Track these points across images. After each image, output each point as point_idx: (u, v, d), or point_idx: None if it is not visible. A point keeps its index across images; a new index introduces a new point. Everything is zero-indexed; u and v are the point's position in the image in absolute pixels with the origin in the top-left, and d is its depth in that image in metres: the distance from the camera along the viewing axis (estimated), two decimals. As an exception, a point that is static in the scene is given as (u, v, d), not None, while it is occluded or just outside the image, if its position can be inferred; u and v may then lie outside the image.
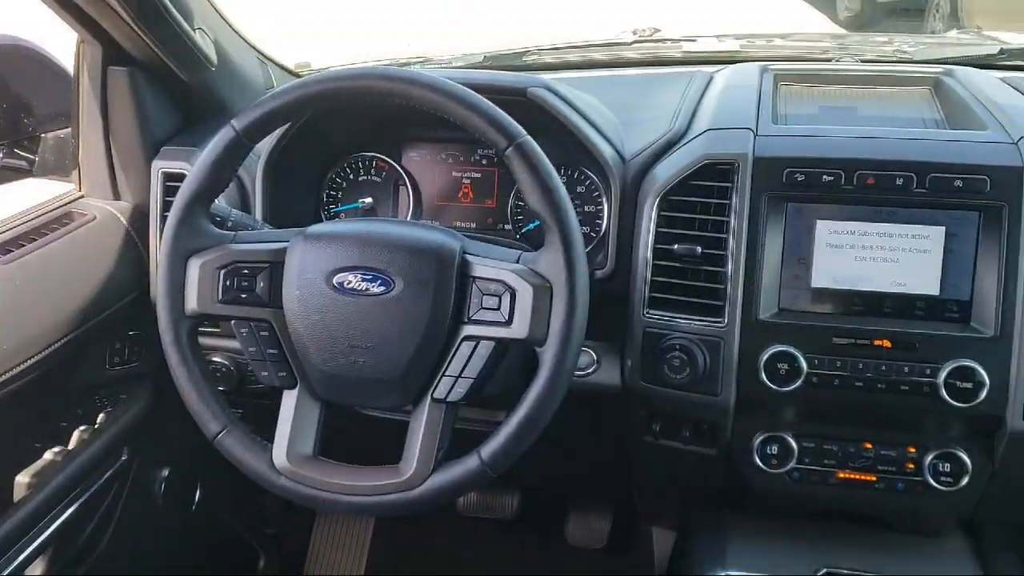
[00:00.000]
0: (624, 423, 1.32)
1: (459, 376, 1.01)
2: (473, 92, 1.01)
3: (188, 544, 1.72)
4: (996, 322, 1.09)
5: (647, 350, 1.21)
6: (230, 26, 1.50)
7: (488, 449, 0.99)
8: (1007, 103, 1.26)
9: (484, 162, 1.42)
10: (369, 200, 1.44)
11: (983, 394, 1.09)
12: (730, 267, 1.16)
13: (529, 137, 1.00)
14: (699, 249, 1.17)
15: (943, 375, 1.10)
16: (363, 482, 1.01)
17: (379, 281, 1.00)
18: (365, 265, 1.01)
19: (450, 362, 1.01)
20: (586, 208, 1.34)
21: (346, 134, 1.43)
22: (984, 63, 1.57)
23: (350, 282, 1.01)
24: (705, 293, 1.18)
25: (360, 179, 1.45)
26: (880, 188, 1.12)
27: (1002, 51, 1.65)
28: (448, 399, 1.01)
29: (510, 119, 1.01)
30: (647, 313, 1.21)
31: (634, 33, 1.88)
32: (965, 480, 1.15)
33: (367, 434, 1.43)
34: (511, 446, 0.99)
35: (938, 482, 1.16)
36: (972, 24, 4.93)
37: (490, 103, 1.01)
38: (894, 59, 1.67)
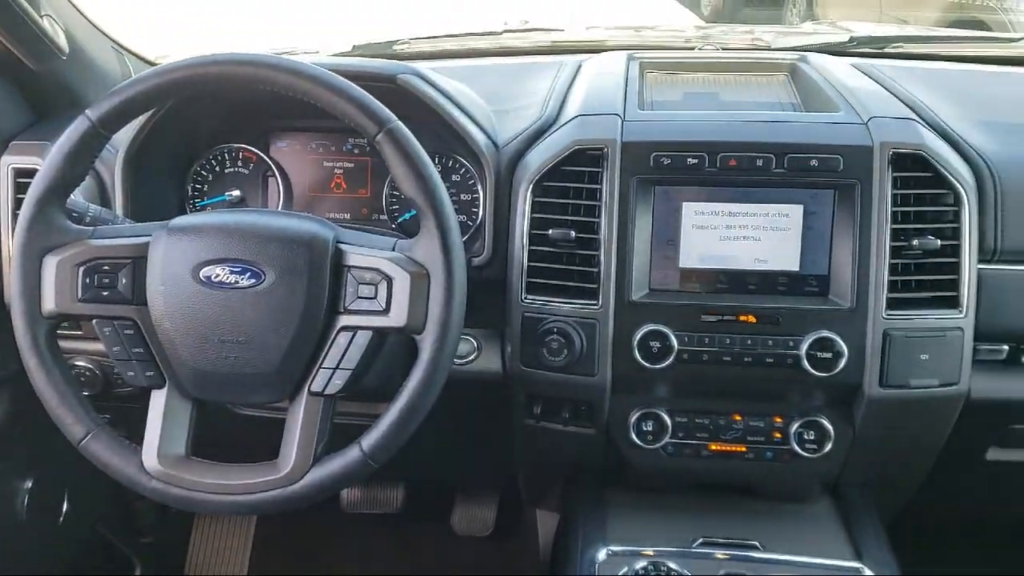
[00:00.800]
0: (506, 408, 1.33)
1: (336, 368, 0.99)
2: (341, 78, 1.00)
3: (56, 558, 1.64)
4: (852, 294, 1.15)
5: (526, 335, 1.22)
6: (81, 14, 1.43)
7: (369, 440, 0.98)
8: (857, 87, 1.34)
9: (356, 151, 1.40)
10: (237, 192, 1.40)
11: (842, 363, 1.15)
12: (603, 250, 1.18)
13: (400, 123, 0.99)
14: (573, 234, 1.19)
15: (805, 347, 1.15)
16: (239, 480, 0.99)
17: (249, 273, 0.98)
18: (233, 257, 0.98)
19: (327, 354, 0.99)
20: (462, 196, 1.35)
21: (211, 124, 1.39)
22: (836, 51, 1.65)
23: (218, 275, 0.98)
24: (580, 277, 1.20)
25: (227, 171, 1.41)
26: (742, 169, 1.16)
27: (852, 39, 1.74)
28: (326, 392, 0.99)
29: (380, 105, 1.00)
30: (525, 298, 1.22)
31: (505, 24, 1.90)
32: (828, 446, 1.21)
33: (245, 433, 1.40)
34: (392, 436, 0.98)
35: (803, 449, 1.21)
36: (826, 16, 5.18)
37: (359, 88, 1.00)
38: (753, 47, 1.73)
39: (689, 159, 1.16)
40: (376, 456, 0.98)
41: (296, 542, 2.02)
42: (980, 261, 1.17)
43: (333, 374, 0.99)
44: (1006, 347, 1.22)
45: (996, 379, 1.22)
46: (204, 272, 0.98)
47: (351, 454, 0.99)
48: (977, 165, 1.18)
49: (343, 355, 0.99)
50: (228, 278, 0.98)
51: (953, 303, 1.15)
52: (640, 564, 1.15)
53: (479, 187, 1.33)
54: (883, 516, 1.32)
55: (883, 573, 1.17)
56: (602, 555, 1.20)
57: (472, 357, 1.30)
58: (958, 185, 1.14)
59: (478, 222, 1.32)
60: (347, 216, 1.40)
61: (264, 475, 0.99)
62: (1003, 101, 1.42)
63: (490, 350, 1.30)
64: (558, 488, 1.46)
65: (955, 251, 1.15)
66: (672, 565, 1.15)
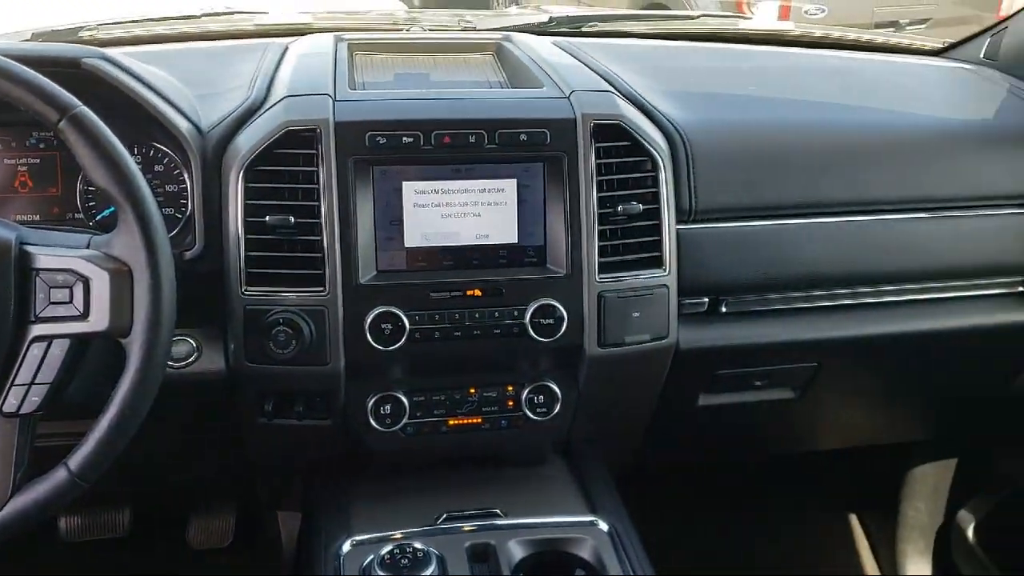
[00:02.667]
0: (235, 410, 1.27)
1: (31, 384, 0.90)
2: (13, 62, 0.89)
3: None
4: (567, 262, 1.20)
5: (250, 329, 1.16)
6: None
7: (76, 458, 0.90)
8: (559, 63, 1.39)
9: (42, 146, 1.26)
10: None
11: (563, 328, 1.19)
12: (325, 234, 1.15)
13: (85, 108, 0.91)
14: (292, 219, 1.15)
15: (528, 315, 1.18)
16: None
17: None
18: None
19: (19, 369, 0.89)
20: (167, 187, 1.25)
21: None
22: (538, 31, 1.72)
23: None
24: (303, 263, 1.16)
25: None
26: (456, 146, 1.17)
27: (551, 19, 1.82)
28: (21, 411, 0.90)
29: (61, 89, 0.91)
30: (246, 290, 1.16)
31: (204, 8, 1.79)
32: (557, 408, 1.26)
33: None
34: (102, 451, 0.90)
35: (535, 414, 1.26)
36: (530, 3, 5.43)
37: (36, 73, 0.90)
38: (460, 29, 1.77)
39: (404, 138, 1.16)
40: (85, 475, 0.89)
41: None
42: (679, 222, 1.27)
43: (28, 391, 0.90)
44: (706, 299, 1.33)
45: (700, 330, 1.33)
46: None
47: (57, 476, 0.90)
48: (669, 132, 1.28)
49: (38, 369, 0.90)
50: None
51: (657, 263, 1.23)
52: (386, 549, 1.14)
53: (185, 176, 1.24)
54: (613, 469, 1.40)
55: (614, 523, 1.24)
56: (347, 547, 1.17)
57: (191, 359, 1.22)
58: (654, 152, 1.22)
59: (188, 213, 1.24)
60: (36, 217, 1.26)
61: None
62: (689, 73, 1.54)
63: (211, 349, 1.22)
64: (298, 486, 1.41)
65: (656, 214, 1.23)
66: (418, 545, 1.15)
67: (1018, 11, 1.63)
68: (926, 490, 2.00)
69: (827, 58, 1.74)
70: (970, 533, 1.91)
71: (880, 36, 1.93)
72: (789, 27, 2.03)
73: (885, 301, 1.40)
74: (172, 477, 1.60)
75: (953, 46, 1.77)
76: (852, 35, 1.87)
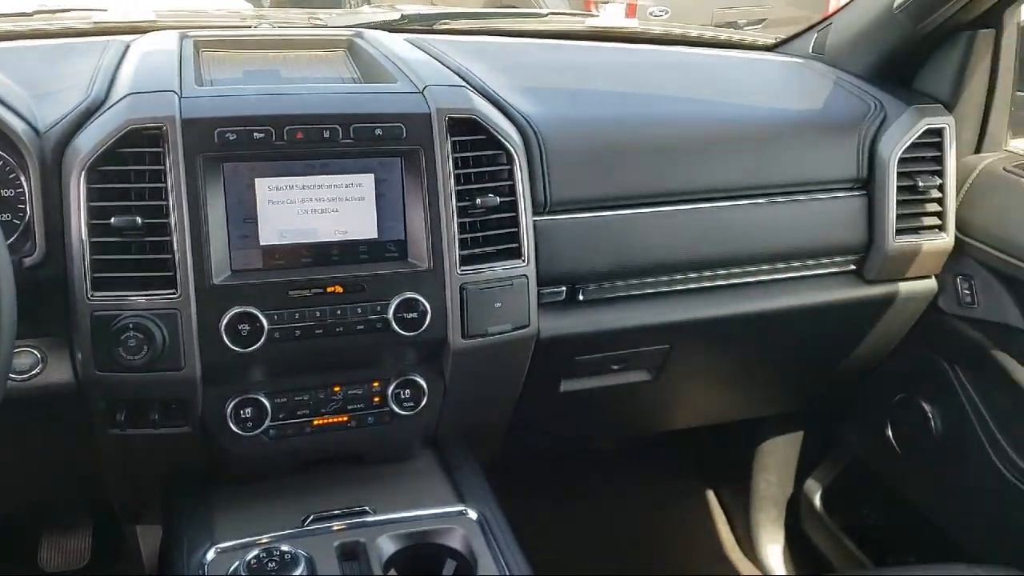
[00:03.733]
0: (86, 422, 1.21)
1: None
2: None
3: None
4: (428, 256, 1.20)
5: (98, 336, 1.11)
6: None
7: None
8: (412, 59, 1.40)
9: None
10: None
11: (427, 321, 1.20)
12: (175, 235, 1.11)
13: None
14: (139, 220, 1.10)
15: (391, 310, 1.18)
16: None
17: None
18: None
19: None
20: (3, 192, 1.18)
21: None
22: (390, 28, 1.71)
23: None
24: (152, 265, 1.12)
25: None
26: (310, 141, 1.16)
27: (403, 17, 1.82)
28: None
29: None
30: (92, 296, 1.11)
31: (39, 5, 1.70)
32: (424, 401, 1.27)
33: None
34: None
35: (402, 408, 1.26)
36: (384, 3, 5.40)
37: None
38: (310, 25, 1.74)
39: (255, 134, 1.14)
40: None
41: None
42: (535, 214, 1.30)
43: None
44: (564, 288, 1.37)
45: (559, 318, 1.36)
46: None
47: None
48: (522, 127, 1.30)
49: None
50: None
51: (516, 254, 1.26)
52: (252, 554, 1.11)
53: (23, 179, 1.17)
54: (481, 459, 1.42)
55: (483, 511, 1.25)
56: (211, 555, 1.14)
57: (36, 370, 1.16)
58: (508, 146, 1.24)
59: (26, 218, 1.17)
60: None
61: None
62: (540, 69, 1.58)
63: (57, 359, 1.17)
64: (157, 497, 1.36)
65: (513, 206, 1.25)
66: (285, 547, 1.13)
67: (839, 8, 1.75)
68: (776, 463, 2.12)
69: (671, 54, 1.82)
70: (816, 500, 2.04)
71: (719, 33, 2.03)
72: (635, 25, 2.10)
73: (731, 283, 1.48)
74: (20, 497, 1.51)
75: (784, 42, 1.87)
76: (694, 32, 1.96)
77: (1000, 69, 1.57)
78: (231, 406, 1.19)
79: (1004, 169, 1.55)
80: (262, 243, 1.17)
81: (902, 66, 1.62)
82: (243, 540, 1.16)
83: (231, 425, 1.19)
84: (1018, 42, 1.56)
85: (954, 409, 1.63)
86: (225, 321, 1.13)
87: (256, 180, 1.15)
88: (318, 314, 1.17)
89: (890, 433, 1.80)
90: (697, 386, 1.73)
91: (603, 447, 2.18)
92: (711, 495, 2.27)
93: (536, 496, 2.06)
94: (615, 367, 1.52)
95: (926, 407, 1.70)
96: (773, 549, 2.12)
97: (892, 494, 1.85)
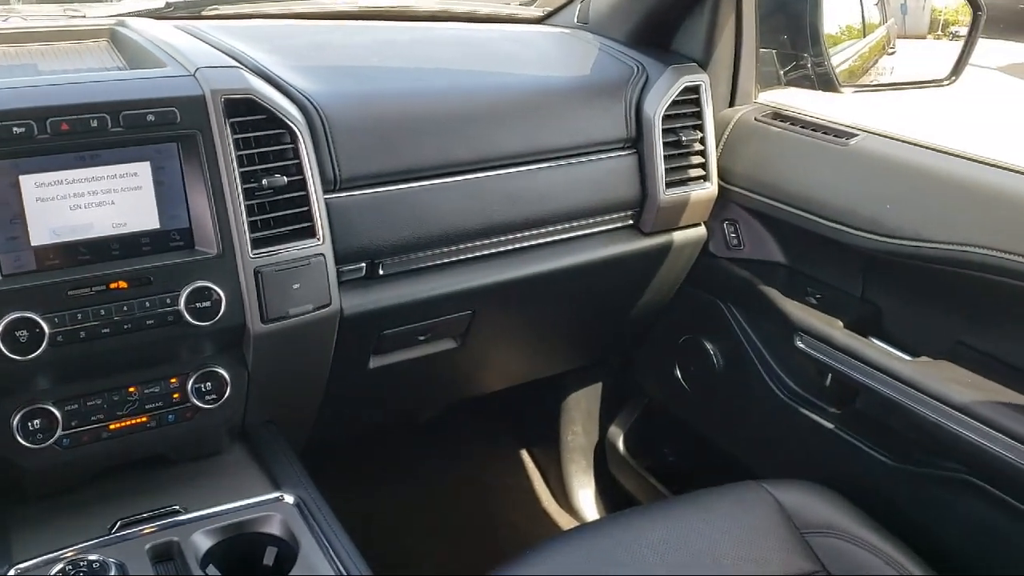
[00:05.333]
0: None
1: None
2: None
3: None
4: (217, 241, 1.18)
5: None
6: None
7: None
8: (182, 44, 1.35)
9: None
10: None
11: (222, 309, 1.17)
12: (-70, 242, 1.03)
13: None
14: None
15: (183, 300, 1.15)
16: None
17: None
18: None
19: None
20: None
21: None
22: (155, 16, 1.64)
23: None
24: (-91, 276, 1.04)
25: None
26: (77, 133, 1.10)
27: (168, 4, 1.75)
28: None
29: None
30: None
31: None
32: (228, 392, 1.24)
33: None
34: None
35: (204, 402, 1.23)
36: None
37: None
38: (68, 17, 1.64)
39: (15, 128, 1.06)
40: None
41: None
42: (327, 192, 1.30)
43: None
44: (363, 264, 1.37)
45: (362, 294, 1.37)
46: None
47: None
48: (303, 105, 1.29)
49: None
50: None
51: (311, 233, 1.25)
52: (57, 568, 1.06)
53: None
54: (296, 445, 1.41)
55: (300, 494, 1.25)
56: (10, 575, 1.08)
57: None
58: (290, 124, 1.23)
59: None
60: None
61: None
62: (317, 48, 1.56)
63: None
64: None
65: (302, 185, 1.24)
66: (93, 557, 1.08)
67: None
68: (580, 415, 2.23)
69: (445, 30, 1.85)
70: (620, 445, 2.16)
71: (488, 7, 2.09)
72: (409, 3, 2.12)
73: (523, 247, 1.54)
74: None
75: (551, 14, 1.96)
76: (464, 8, 2.01)
77: (744, 28, 1.72)
78: (17, 419, 1.11)
79: (755, 119, 1.70)
80: (33, 244, 1.10)
81: (659, 30, 1.74)
82: (46, 556, 1.10)
83: (18, 438, 1.12)
84: (756, 3, 1.71)
85: (732, 343, 1.78)
86: (0, 329, 1.06)
87: (20, 177, 1.08)
88: (103, 313, 1.12)
89: (678, 373, 1.94)
90: (502, 348, 1.80)
91: (419, 420, 2.21)
92: (525, 454, 2.36)
93: (355, 476, 2.07)
94: (422, 338, 1.55)
95: (708, 345, 1.84)
96: (585, 496, 2.24)
97: (686, 430, 2.00)
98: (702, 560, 1.27)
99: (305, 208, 1.25)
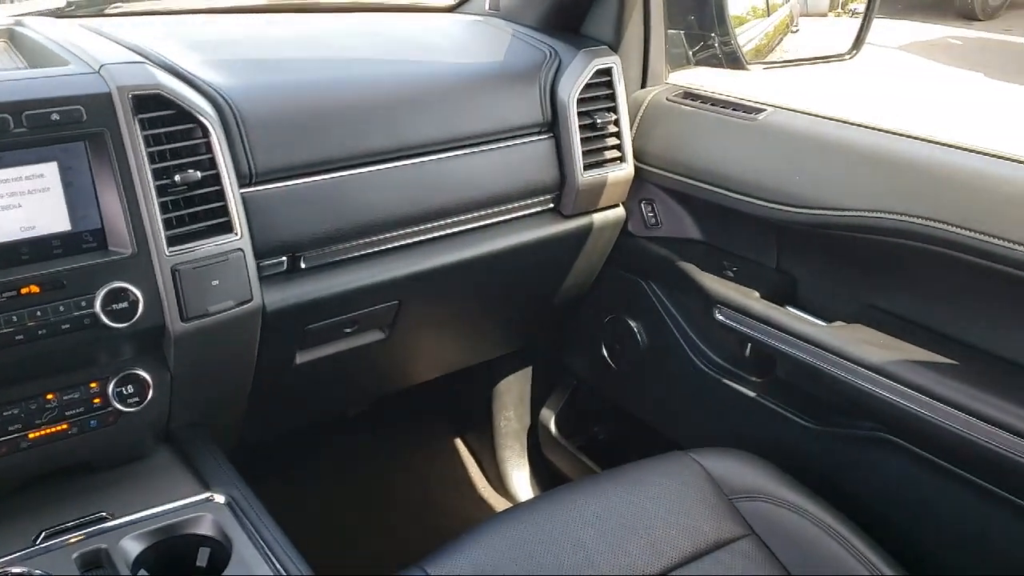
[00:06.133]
0: None
1: None
2: None
3: None
4: (131, 241, 1.15)
5: None
6: None
7: None
8: (85, 42, 1.32)
9: None
10: None
11: (140, 309, 1.15)
12: None
13: None
14: None
15: (98, 303, 1.13)
16: None
17: None
18: None
19: None
20: None
21: None
22: (57, 15, 1.60)
23: None
24: None
25: None
26: None
27: (70, 3, 1.70)
28: None
29: None
30: None
31: None
32: (151, 395, 1.22)
33: None
34: None
35: (127, 406, 1.21)
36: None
37: None
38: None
39: None
40: None
41: None
42: (242, 186, 1.28)
43: None
44: (284, 258, 1.36)
45: (283, 289, 1.36)
46: None
47: None
48: (213, 98, 1.27)
49: None
50: None
51: (227, 228, 1.24)
52: None
53: None
54: (225, 446, 1.39)
55: (231, 492, 1.24)
56: None
57: None
58: (201, 118, 1.21)
59: None
60: None
61: None
62: (225, 42, 1.54)
63: None
64: None
65: (216, 180, 1.23)
66: (17, 570, 1.05)
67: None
68: (512, 400, 2.25)
69: (354, 20, 1.84)
70: (552, 426, 2.19)
71: (399, -1, 2.09)
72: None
73: (446, 234, 1.54)
74: None
75: (462, 2, 1.96)
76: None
77: (652, 10, 1.75)
78: None
79: (667, 99, 1.74)
80: (-64, 252, 1.06)
81: (570, 14, 1.76)
82: None
83: None
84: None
85: (654, 320, 1.82)
86: None
87: (-80, 184, 1.05)
88: (15, 319, 1.09)
89: (605, 353, 1.97)
90: (431, 338, 1.80)
91: (351, 414, 2.20)
92: (459, 441, 2.37)
93: (287, 472, 2.05)
94: (348, 330, 1.54)
95: (631, 323, 1.88)
96: (520, 479, 2.26)
97: (615, 407, 2.03)
98: (635, 530, 1.29)
99: (221, 203, 1.23)
